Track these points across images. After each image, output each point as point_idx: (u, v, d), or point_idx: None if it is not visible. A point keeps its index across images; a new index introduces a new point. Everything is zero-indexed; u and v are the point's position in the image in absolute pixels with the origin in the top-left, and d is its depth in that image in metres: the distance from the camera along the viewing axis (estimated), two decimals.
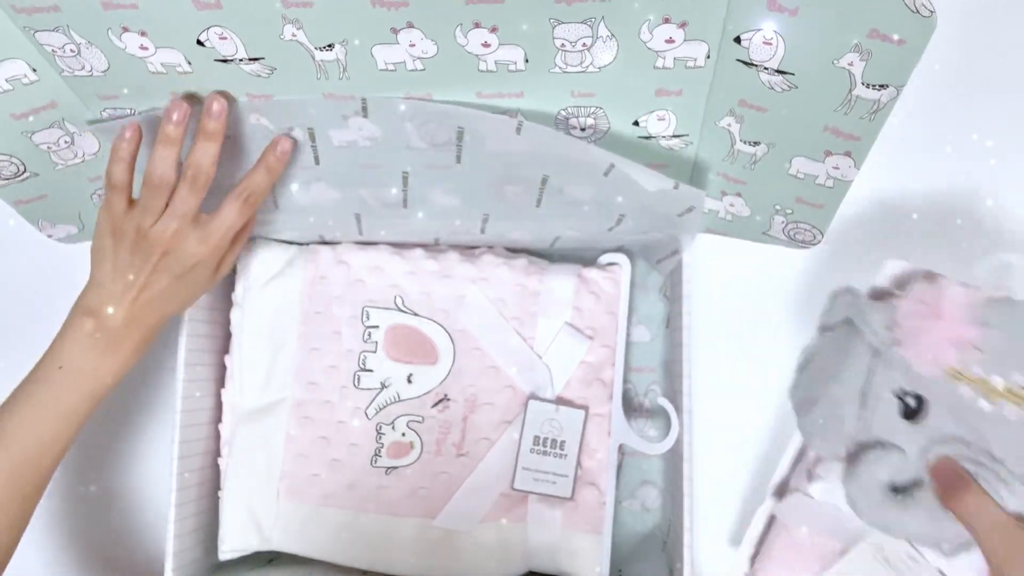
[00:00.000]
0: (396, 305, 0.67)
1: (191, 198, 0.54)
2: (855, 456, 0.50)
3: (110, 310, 0.55)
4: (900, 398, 0.49)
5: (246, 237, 0.61)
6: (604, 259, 0.69)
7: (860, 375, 0.50)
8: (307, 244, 0.69)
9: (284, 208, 0.63)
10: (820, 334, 0.54)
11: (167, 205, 0.54)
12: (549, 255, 0.71)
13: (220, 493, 0.67)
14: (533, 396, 0.65)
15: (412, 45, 0.51)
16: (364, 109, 0.54)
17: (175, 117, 0.53)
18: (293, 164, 0.58)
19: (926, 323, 0.47)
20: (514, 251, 0.70)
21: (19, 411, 0.54)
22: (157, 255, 0.55)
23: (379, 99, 0.54)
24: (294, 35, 0.50)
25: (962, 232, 0.70)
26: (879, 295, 0.52)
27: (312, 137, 0.56)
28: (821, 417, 0.51)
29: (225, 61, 0.52)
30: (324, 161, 0.58)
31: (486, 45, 0.51)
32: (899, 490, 0.49)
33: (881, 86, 0.49)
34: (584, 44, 0.51)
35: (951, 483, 0.46)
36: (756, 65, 0.51)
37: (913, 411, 0.48)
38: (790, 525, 0.55)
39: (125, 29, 0.50)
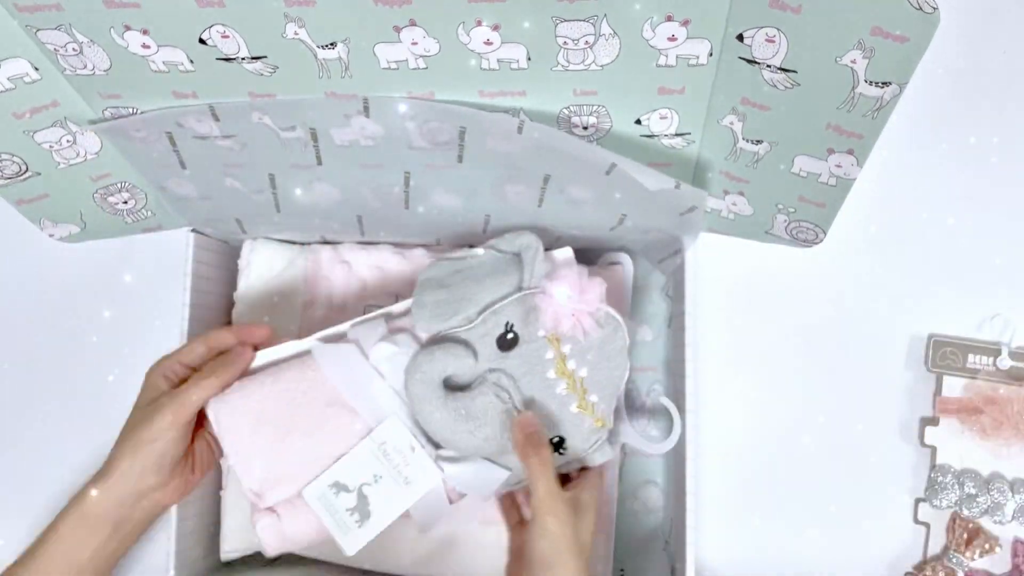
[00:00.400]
0: None
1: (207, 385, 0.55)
2: (437, 340, 0.55)
3: None
4: (506, 328, 0.55)
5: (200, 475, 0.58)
6: (606, 259, 0.68)
7: (496, 293, 0.55)
8: (308, 244, 0.69)
9: (286, 210, 0.63)
10: (486, 250, 0.59)
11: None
12: None
13: (221, 493, 0.66)
14: None
15: (414, 43, 0.51)
16: (366, 109, 0.54)
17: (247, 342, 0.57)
18: (296, 166, 0.58)
19: (569, 294, 0.55)
20: None
21: None
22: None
23: (381, 99, 0.53)
24: (296, 33, 0.50)
25: (956, 231, 0.71)
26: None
27: (314, 137, 0.56)
28: (442, 300, 0.55)
29: (227, 60, 0.52)
30: (326, 161, 0.58)
31: (488, 43, 0.51)
32: (448, 387, 0.54)
33: (884, 83, 0.49)
34: (586, 42, 0.51)
35: (530, 438, 0.53)
36: (758, 63, 0.51)
37: (506, 344, 0.55)
38: (324, 375, 0.55)
39: (127, 27, 0.50)
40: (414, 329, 0.56)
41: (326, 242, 0.69)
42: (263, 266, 0.68)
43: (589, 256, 0.69)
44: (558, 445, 0.57)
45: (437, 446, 0.56)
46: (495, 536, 0.64)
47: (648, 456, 0.70)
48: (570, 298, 0.55)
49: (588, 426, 0.57)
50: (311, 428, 0.55)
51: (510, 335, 0.55)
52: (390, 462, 0.55)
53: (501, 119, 0.53)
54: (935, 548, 0.68)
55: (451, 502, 0.57)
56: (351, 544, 0.55)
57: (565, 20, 0.49)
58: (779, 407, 0.70)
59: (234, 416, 0.55)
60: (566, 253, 0.60)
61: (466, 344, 0.55)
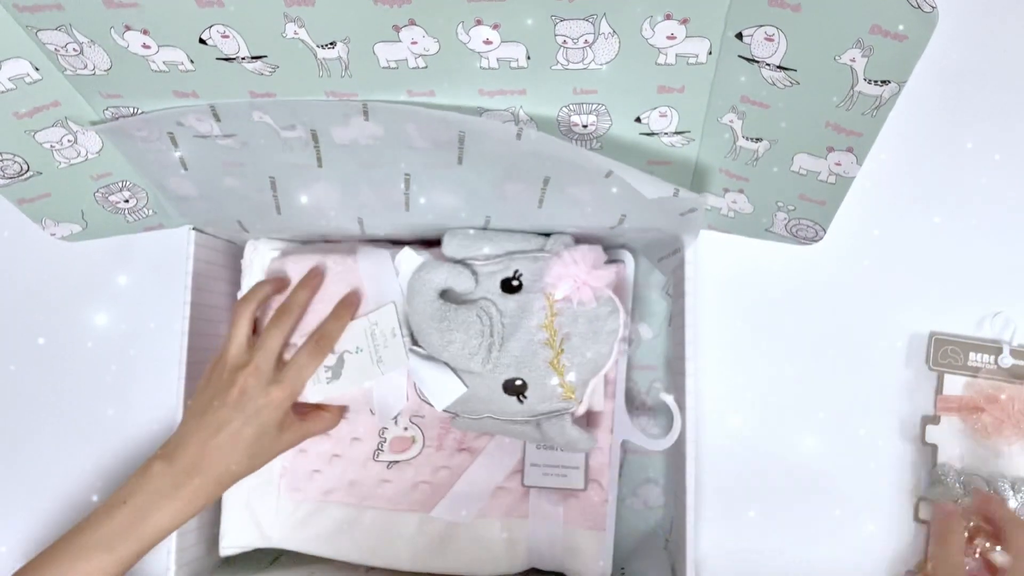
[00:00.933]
0: None
1: (311, 360, 0.61)
2: (455, 261, 0.63)
3: (179, 452, 0.57)
4: (514, 274, 0.62)
5: (317, 425, 0.64)
6: (607, 256, 0.68)
7: (518, 246, 0.63)
8: (309, 243, 0.70)
9: (286, 210, 0.63)
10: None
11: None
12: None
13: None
14: None
15: (414, 43, 0.51)
16: (365, 113, 0.54)
17: (312, 287, 0.64)
18: (296, 165, 0.59)
19: (578, 263, 0.60)
20: None
21: (76, 540, 0.54)
22: (235, 394, 0.58)
23: (379, 105, 0.54)
24: (296, 33, 0.50)
25: (956, 229, 0.70)
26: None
27: (315, 139, 0.56)
28: (472, 235, 0.64)
29: (227, 60, 0.52)
30: (327, 161, 0.58)
31: (488, 42, 0.51)
32: (441, 296, 0.61)
33: (883, 82, 0.49)
34: (586, 41, 0.51)
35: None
36: (758, 61, 0.51)
37: (510, 288, 0.62)
38: (358, 266, 0.65)
39: (127, 28, 0.50)
40: (441, 252, 0.64)
41: (327, 241, 0.69)
42: (264, 264, 0.68)
43: None
44: (520, 390, 0.60)
45: (416, 343, 0.62)
46: (496, 531, 0.64)
47: (648, 454, 0.70)
48: (578, 265, 0.60)
49: (553, 386, 0.60)
50: (331, 297, 0.64)
51: (515, 282, 0.62)
52: (373, 341, 0.63)
53: (499, 128, 0.53)
54: None
55: (408, 400, 0.64)
56: (314, 394, 0.63)
57: (564, 19, 0.49)
58: (779, 405, 0.70)
59: (285, 265, 0.66)
60: (595, 245, 0.63)
61: (473, 271, 0.62)
